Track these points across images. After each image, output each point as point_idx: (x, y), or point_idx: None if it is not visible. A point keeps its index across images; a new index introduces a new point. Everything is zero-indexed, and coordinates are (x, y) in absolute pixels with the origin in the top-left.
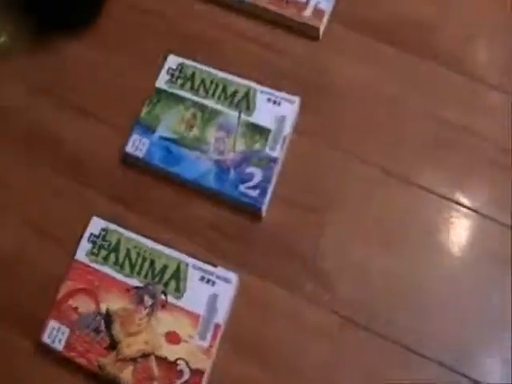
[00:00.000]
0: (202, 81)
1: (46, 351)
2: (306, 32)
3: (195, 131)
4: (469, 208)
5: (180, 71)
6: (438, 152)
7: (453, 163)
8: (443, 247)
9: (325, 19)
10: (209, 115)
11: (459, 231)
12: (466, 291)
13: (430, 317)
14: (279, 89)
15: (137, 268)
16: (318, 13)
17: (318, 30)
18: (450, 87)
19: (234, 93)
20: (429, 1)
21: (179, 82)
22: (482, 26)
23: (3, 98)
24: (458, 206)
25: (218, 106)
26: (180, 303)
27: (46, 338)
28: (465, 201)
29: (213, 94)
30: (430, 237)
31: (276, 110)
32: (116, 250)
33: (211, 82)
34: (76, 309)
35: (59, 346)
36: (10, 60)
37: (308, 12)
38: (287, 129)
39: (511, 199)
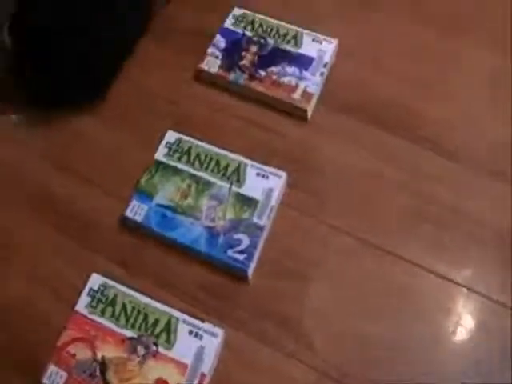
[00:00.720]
0: (198, 155)
1: None
2: (296, 113)
3: (189, 200)
4: (450, 280)
5: (177, 145)
6: (423, 227)
7: (439, 238)
8: (423, 316)
9: (313, 102)
10: (202, 186)
11: (438, 301)
12: (446, 360)
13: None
14: (268, 164)
15: (131, 321)
16: (306, 95)
17: (306, 111)
18: (434, 168)
19: (226, 166)
20: (412, 85)
21: (176, 155)
22: (464, 110)
23: (17, 162)
24: (440, 279)
25: (211, 178)
26: (170, 354)
27: (45, 381)
28: (449, 273)
29: (207, 168)
30: (412, 306)
31: (264, 183)
32: (113, 304)
33: (206, 157)
34: (74, 355)
35: None
36: (23, 130)
37: (297, 94)
38: (274, 200)
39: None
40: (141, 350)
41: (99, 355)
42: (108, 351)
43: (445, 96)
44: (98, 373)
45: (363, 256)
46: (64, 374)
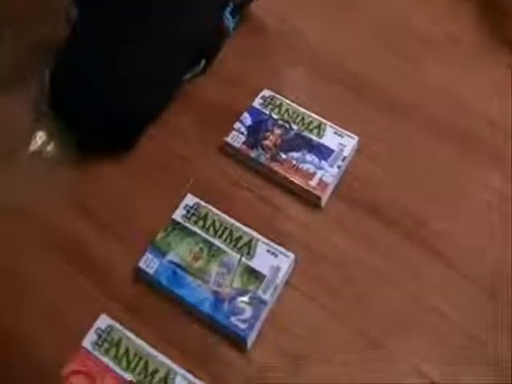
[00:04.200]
0: (213, 222)
1: None
2: (310, 200)
3: (200, 263)
4: None
5: (195, 209)
6: (417, 331)
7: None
8: None
9: (328, 191)
10: (214, 252)
11: None
12: None
13: None
14: (278, 243)
15: (132, 365)
16: (322, 184)
17: (320, 199)
18: (436, 276)
19: (239, 238)
20: (422, 195)
21: (193, 218)
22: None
23: (42, 201)
24: None
25: (223, 246)
26: None
27: None
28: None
29: (220, 236)
30: None
31: (272, 260)
32: (117, 345)
33: (220, 225)
34: None
35: None
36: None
37: (314, 182)
38: (280, 279)
39: None
40: None
41: None
42: None
43: (451, 213)
44: None
45: (356, 346)
46: None
